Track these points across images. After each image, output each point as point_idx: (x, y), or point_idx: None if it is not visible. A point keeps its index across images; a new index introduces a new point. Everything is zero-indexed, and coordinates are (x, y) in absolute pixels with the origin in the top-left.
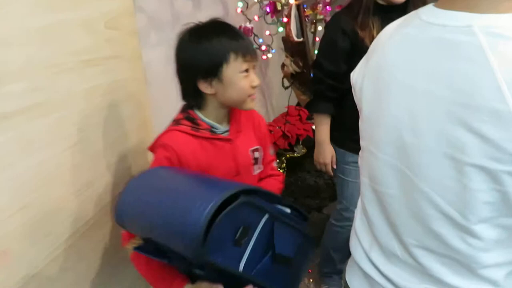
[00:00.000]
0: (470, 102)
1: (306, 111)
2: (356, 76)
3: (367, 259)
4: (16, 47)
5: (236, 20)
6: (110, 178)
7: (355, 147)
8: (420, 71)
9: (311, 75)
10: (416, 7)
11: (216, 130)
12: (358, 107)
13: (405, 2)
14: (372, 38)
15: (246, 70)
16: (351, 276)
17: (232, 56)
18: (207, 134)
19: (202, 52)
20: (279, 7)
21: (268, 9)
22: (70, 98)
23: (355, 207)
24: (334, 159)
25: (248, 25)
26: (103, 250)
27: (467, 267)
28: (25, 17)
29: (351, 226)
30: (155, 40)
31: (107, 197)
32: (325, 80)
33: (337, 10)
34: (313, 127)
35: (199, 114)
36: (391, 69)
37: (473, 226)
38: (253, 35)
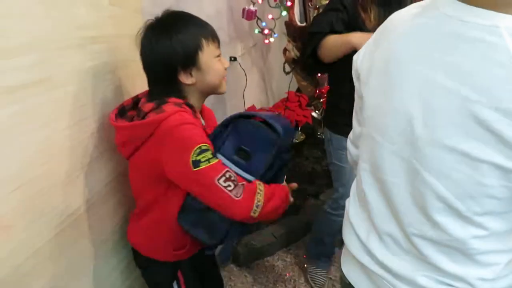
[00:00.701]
0: (493, 103)
1: (305, 97)
2: (361, 61)
3: (363, 248)
4: (20, 20)
5: (238, 2)
6: (112, 156)
7: (344, 132)
8: (439, 65)
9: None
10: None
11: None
12: (358, 92)
13: None
14: (370, 21)
15: (218, 55)
16: (348, 268)
17: (204, 43)
18: (201, 123)
19: (177, 44)
20: None
21: None
22: (75, 74)
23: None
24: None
25: (252, 7)
26: (103, 228)
27: (468, 255)
28: None
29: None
30: None
31: (111, 174)
32: (322, 31)
33: None
34: (313, 113)
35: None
36: (404, 59)
37: (477, 218)
38: (256, 18)
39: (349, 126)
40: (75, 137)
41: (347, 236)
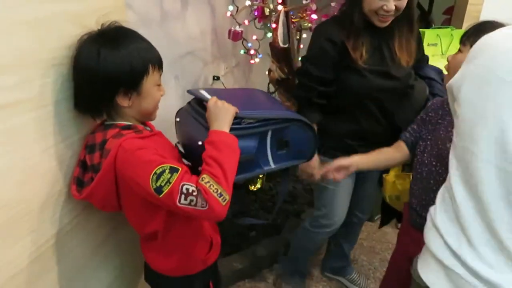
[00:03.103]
0: None
1: None
2: (456, 85)
3: (452, 253)
4: (6, 39)
5: (224, 23)
6: None
7: (335, 154)
8: None
9: (296, 83)
10: (400, 28)
11: (147, 128)
12: (452, 109)
13: (391, 23)
14: (361, 57)
15: (159, 84)
16: (427, 271)
17: (151, 69)
18: (147, 132)
19: (125, 64)
20: (267, 13)
21: (256, 13)
22: (59, 94)
23: (334, 214)
24: (319, 170)
25: (238, 28)
26: (87, 247)
27: None
28: (16, 8)
29: (326, 232)
30: None
31: None
32: (314, 87)
33: (323, 19)
34: None
35: (123, 122)
36: (501, 71)
37: None
38: (242, 39)
39: (332, 148)
40: (56, 158)
41: (432, 242)
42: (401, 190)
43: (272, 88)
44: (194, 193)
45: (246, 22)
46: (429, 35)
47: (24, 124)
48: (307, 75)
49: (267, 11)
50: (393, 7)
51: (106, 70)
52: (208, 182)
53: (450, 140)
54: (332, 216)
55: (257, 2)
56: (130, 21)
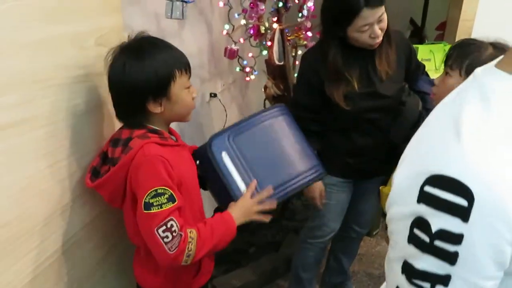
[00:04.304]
0: None
1: None
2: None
3: None
4: (7, 60)
5: (220, 41)
6: (91, 197)
7: (334, 172)
8: None
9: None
10: (384, 49)
11: (173, 138)
12: None
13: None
14: (350, 88)
15: (189, 87)
16: None
17: (177, 74)
18: (171, 141)
19: (149, 72)
20: (262, 31)
21: (251, 31)
22: (58, 113)
23: (327, 226)
24: (323, 194)
25: (234, 47)
26: (85, 266)
27: None
28: (16, 30)
29: (320, 244)
30: None
31: (89, 215)
32: (305, 115)
33: (317, 35)
34: None
35: (153, 126)
36: None
37: None
38: (238, 57)
39: (334, 168)
40: (54, 178)
41: None
42: None
43: (268, 104)
44: (174, 234)
45: (242, 40)
46: (422, 51)
47: (24, 144)
48: (296, 104)
49: (262, 29)
50: (379, 31)
51: (132, 80)
52: (193, 239)
53: None
54: (325, 227)
55: (253, 21)
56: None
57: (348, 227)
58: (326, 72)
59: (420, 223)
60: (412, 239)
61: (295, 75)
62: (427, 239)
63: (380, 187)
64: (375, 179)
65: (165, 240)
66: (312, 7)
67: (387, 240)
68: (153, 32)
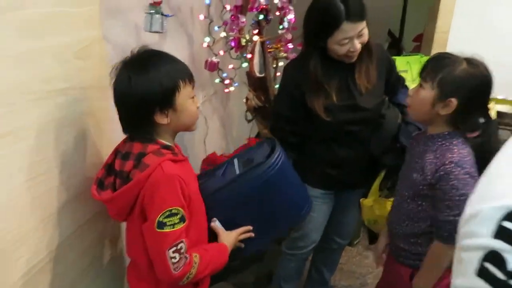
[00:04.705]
0: None
1: None
2: None
3: None
4: None
5: (201, 54)
6: (73, 210)
7: (316, 184)
8: None
9: (271, 127)
10: (360, 56)
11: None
12: None
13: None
14: (330, 100)
15: (193, 96)
16: None
17: (181, 84)
18: (181, 157)
19: (155, 84)
20: (243, 43)
21: (232, 44)
22: (41, 127)
23: (309, 237)
24: None
25: (214, 59)
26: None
27: None
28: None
29: (302, 255)
30: None
31: (70, 228)
32: (285, 126)
33: (298, 47)
34: None
35: (163, 140)
36: None
37: None
38: (218, 69)
39: (315, 179)
40: (37, 190)
41: None
42: (379, 215)
43: (249, 116)
44: (181, 255)
45: (222, 52)
46: (400, 62)
47: (5, 156)
48: (278, 116)
49: (243, 41)
50: (359, 46)
51: (138, 93)
52: (196, 264)
53: (416, 172)
54: (307, 239)
55: (234, 33)
56: (108, 54)
57: (330, 238)
58: (307, 83)
59: (494, 258)
60: (483, 274)
61: (276, 86)
62: (502, 276)
63: (361, 200)
64: (356, 191)
65: (173, 260)
66: (293, 19)
67: (367, 249)
68: (133, 44)
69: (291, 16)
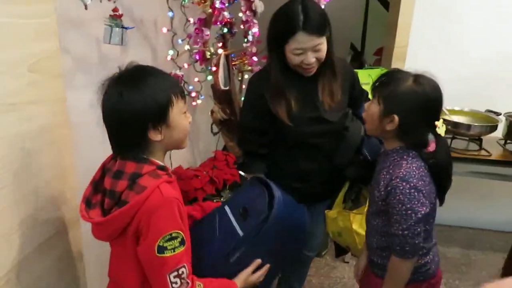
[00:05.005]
0: None
1: (233, 156)
2: None
3: None
4: None
5: (165, 67)
6: (30, 228)
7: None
8: None
9: (238, 140)
10: (323, 73)
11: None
12: None
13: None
14: (290, 108)
15: (185, 111)
16: None
17: (174, 99)
18: (174, 177)
19: (148, 99)
20: (208, 56)
21: (197, 57)
22: None
23: None
24: None
25: (178, 72)
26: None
27: None
28: None
29: None
30: (81, 83)
31: (27, 248)
32: (252, 138)
33: (262, 60)
34: (240, 172)
35: (156, 160)
36: None
37: None
38: (183, 82)
39: (287, 191)
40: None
41: None
42: (343, 227)
43: (215, 129)
44: (183, 281)
45: (186, 65)
46: (361, 75)
47: None
48: (244, 128)
49: (208, 54)
50: (313, 60)
51: (132, 109)
52: None
53: (376, 188)
54: None
55: (198, 46)
56: (68, 66)
57: None
58: (269, 90)
59: None
60: None
61: (242, 98)
62: None
63: (326, 211)
64: (323, 203)
65: (174, 285)
66: (257, 33)
67: (335, 259)
68: (94, 57)
69: (255, 29)
